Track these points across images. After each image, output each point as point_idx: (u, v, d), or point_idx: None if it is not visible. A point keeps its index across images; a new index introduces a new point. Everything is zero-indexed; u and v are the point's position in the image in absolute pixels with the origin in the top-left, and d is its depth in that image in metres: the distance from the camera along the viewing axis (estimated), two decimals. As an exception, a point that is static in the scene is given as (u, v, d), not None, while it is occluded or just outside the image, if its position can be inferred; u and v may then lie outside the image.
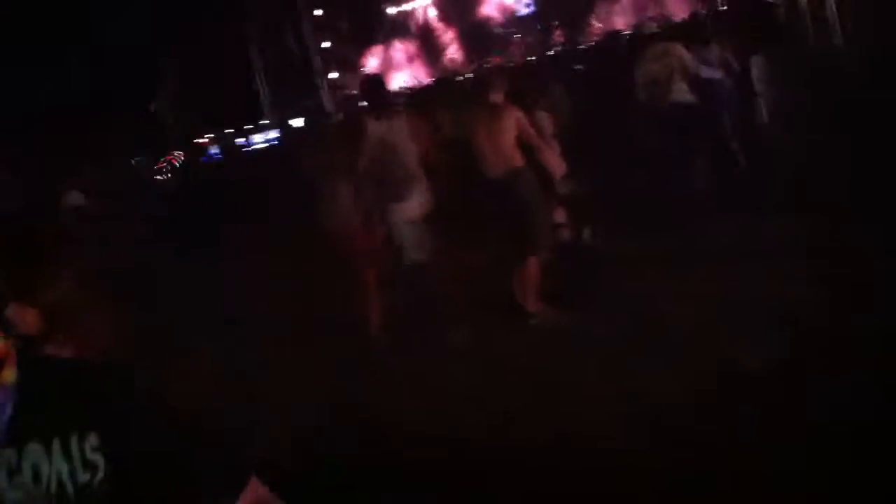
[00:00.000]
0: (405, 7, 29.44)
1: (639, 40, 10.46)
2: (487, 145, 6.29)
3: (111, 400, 1.43)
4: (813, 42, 12.39)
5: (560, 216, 6.99)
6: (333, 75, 24.26)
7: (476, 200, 6.47)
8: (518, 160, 6.22)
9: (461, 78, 19.50)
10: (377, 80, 7.14)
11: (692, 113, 8.53)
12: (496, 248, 6.57)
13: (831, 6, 12.24)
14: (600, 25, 25.96)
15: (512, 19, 28.94)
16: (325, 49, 24.05)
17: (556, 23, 26.92)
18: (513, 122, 6.19)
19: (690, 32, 10.18)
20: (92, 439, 1.39)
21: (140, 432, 1.42)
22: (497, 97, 6.48)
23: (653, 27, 11.04)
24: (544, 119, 6.98)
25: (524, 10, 28.98)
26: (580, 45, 21.83)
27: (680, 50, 8.88)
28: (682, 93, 8.65)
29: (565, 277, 6.53)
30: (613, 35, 13.66)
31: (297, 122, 17.40)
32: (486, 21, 29.32)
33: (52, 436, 1.38)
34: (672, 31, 10.88)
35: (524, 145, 6.26)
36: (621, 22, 24.10)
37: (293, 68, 23.27)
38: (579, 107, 8.44)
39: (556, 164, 6.54)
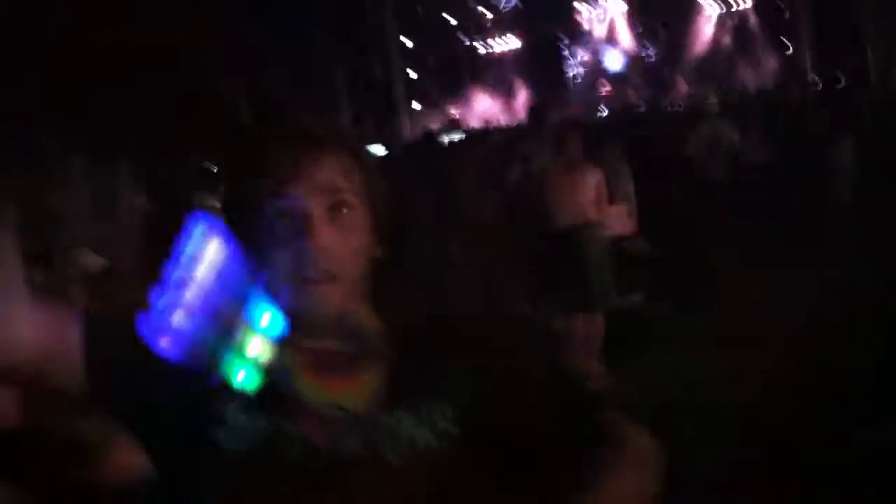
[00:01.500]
0: (496, 48, 29.86)
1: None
2: (562, 197, 6.39)
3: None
4: None
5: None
6: (416, 106, 24.62)
7: (542, 252, 6.52)
8: (591, 214, 6.32)
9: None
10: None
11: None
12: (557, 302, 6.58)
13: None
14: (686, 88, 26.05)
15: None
16: (410, 79, 24.43)
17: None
18: (592, 182, 6.31)
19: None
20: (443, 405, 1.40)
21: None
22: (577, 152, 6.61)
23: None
24: (622, 177, 7.06)
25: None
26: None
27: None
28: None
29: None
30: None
31: (376, 149, 17.82)
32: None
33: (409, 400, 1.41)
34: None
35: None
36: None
37: (375, 94, 23.66)
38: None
39: (625, 223, 6.65)
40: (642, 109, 19.77)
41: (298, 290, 1.37)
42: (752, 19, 26.87)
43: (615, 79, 29.24)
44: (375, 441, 1.36)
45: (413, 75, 24.52)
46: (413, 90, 24.34)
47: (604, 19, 28.98)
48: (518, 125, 21.70)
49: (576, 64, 30.10)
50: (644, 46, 29.21)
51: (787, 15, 22.79)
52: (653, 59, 29.33)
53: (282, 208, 1.38)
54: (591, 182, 6.27)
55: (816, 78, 19.40)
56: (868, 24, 13.25)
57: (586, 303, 6.29)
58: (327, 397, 1.39)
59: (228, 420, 1.36)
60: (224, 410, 1.37)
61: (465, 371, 1.41)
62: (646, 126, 13.43)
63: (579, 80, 29.58)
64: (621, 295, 7.01)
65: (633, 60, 29.26)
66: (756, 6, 26.66)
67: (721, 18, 27.67)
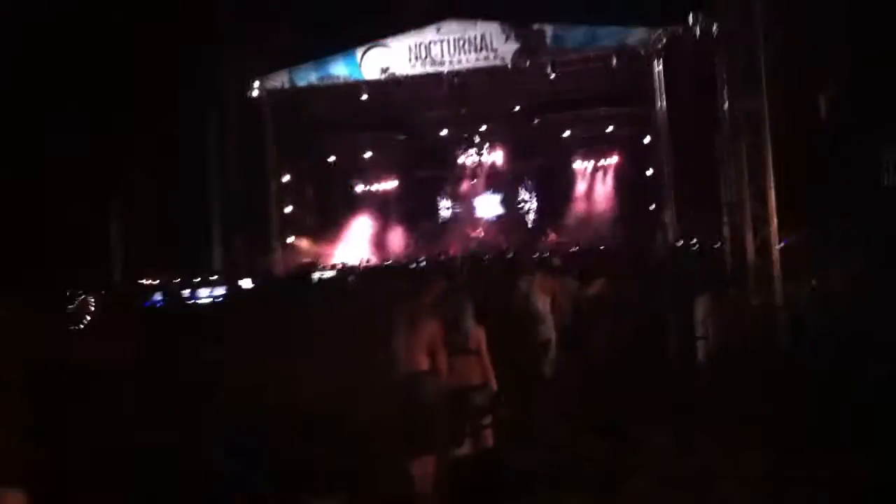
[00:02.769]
0: (373, 187, 30.34)
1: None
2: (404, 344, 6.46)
3: None
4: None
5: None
6: (290, 239, 24.49)
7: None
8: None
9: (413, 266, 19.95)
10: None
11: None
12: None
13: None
14: (555, 237, 26.95)
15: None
16: (287, 213, 24.38)
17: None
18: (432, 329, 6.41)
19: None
20: None
21: None
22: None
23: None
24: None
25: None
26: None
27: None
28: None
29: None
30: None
31: (247, 283, 17.57)
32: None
33: None
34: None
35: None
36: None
37: (251, 228, 23.46)
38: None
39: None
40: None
41: None
42: (619, 176, 28.31)
43: (488, 224, 30.06)
44: None
45: (290, 209, 24.49)
46: (288, 224, 24.28)
47: (480, 167, 29.95)
48: (388, 265, 21.88)
49: (451, 207, 30.86)
50: (517, 195, 30.30)
51: (651, 173, 24.03)
52: (525, 209, 30.42)
53: None
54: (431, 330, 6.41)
55: (675, 236, 20.42)
56: (725, 188, 14.09)
57: (420, 447, 6.36)
58: None
59: None
60: None
61: None
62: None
63: (453, 224, 30.28)
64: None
65: (506, 208, 30.26)
66: (622, 164, 28.15)
67: (590, 173, 29.06)
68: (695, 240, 18.84)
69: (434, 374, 6.44)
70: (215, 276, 18.46)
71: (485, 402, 6.86)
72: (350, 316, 8.90)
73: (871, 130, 14.61)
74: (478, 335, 6.89)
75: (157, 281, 18.34)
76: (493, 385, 6.83)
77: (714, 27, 15.72)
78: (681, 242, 19.08)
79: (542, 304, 10.12)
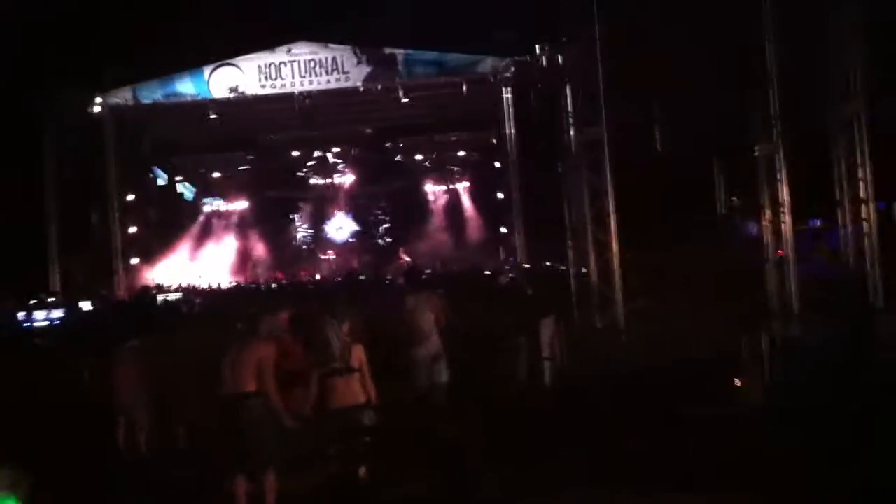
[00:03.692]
0: (222, 207, 29.72)
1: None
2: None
3: None
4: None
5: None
6: (134, 261, 23.61)
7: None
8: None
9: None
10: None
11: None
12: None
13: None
14: (407, 259, 27.09)
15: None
16: (130, 234, 23.50)
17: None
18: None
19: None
20: None
21: None
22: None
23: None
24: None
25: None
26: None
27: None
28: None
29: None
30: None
31: (86, 305, 16.86)
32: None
33: None
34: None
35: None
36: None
37: (92, 248, 22.54)
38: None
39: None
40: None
41: None
42: (469, 199, 28.80)
43: (340, 246, 29.96)
44: None
45: (133, 229, 23.63)
46: (132, 245, 23.42)
47: (332, 188, 29.87)
48: (238, 286, 21.50)
49: (303, 228, 30.61)
50: (369, 217, 30.35)
51: (501, 197, 24.51)
52: (376, 231, 30.50)
53: None
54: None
55: (524, 259, 20.91)
56: (568, 213, 14.62)
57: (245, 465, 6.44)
58: None
59: None
60: None
61: None
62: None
63: (304, 246, 30.05)
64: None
65: (358, 230, 30.25)
66: (473, 188, 28.66)
67: (441, 196, 29.43)
68: (545, 263, 19.37)
69: (260, 395, 6.40)
70: (52, 299, 17.62)
71: (368, 421, 6.85)
72: (190, 338, 8.77)
73: (705, 159, 15.48)
74: (357, 354, 6.86)
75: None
76: (375, 402, 6.83)
77: (559, 58, 16.31)
78: (528, 265, 19.55)
79: (427, 320, 10.19)
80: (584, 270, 14.28)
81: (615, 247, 13.36)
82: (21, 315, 15.81)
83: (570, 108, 14.78)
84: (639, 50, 14.00)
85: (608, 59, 13.77)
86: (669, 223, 13.91)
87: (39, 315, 15.92)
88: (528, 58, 19.80)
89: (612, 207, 13.45)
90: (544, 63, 18.51)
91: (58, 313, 15.90)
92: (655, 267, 13.77)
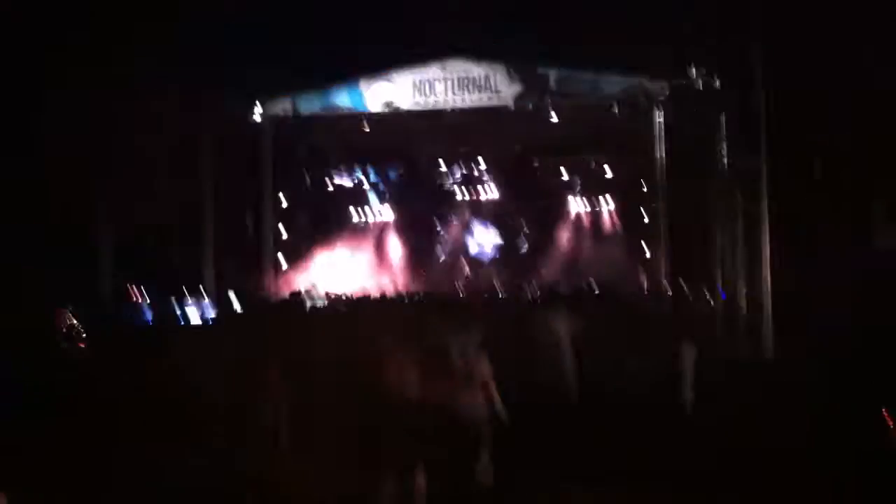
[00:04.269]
0: (369, 218, 30.32)
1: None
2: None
3: None
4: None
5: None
6: (284, 265, 24.50)
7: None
8: None
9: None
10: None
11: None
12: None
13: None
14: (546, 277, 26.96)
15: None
16: (282, 239, 24.43)
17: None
18: None
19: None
20: None
21: None
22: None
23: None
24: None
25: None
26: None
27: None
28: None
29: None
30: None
31: (238, 306, 17.54)
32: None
33: None
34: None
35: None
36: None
37: (245, 251, 23.48)
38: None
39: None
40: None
41: None
42: (614, 221, 28.40)
43: (481, 260, 30.04)
44: None
45: (285, 235, 24.53)
46: (283, 250, 24.30)
47: (477, 204, 30.01)
48: (381, 297, 21.87)
49: (446, 242, 30.85)
50: (512, 234, 30.29)
51: (647, 221, 24.08)
52: (519, 248, 30.41)
53: None
54: None
55: (668, 285, 20.48)
56: (720, 240, 14.22)
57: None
58: None
59: None
60: None
61: None
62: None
63: (448, 259, 30.27)
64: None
65: (500, 247, 30.26)
66: (619, 210, 28.25)
67: (585, 217, 29.12)
68: (686, 289, 18.93)
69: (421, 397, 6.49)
70: (207, 298, 18.43)
71: (487, 434, 6.91)
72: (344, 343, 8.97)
73: (863, 188, 14.83)
74: (483, 369, 6.92)
75: (148, 300, 18.30)
76: (501, 416, 6.89)
77: (716, 82, 15.94)
78: (671, 290, 19.15)
79: (562, 336, 10.42)
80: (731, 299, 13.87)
81: (768, 277, 12.94)
82: (178, 311, 16.58)
83: (725, 133, 14.40)
84: (799, 74, 13.59)
85: (768, 83, 13.39)
86: (823, 253, 13.40)
87: (194, 312, 16.65)
88: (684, 81, 19.46)
89: (767, 237, 13.04)
90: (700, 86, 18.13)
91: (211, 312, 16.59)
92: (807, 296, 13.26)
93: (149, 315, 16.21)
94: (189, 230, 21.58)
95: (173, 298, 17.77)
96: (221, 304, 17.40)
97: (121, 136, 18.72)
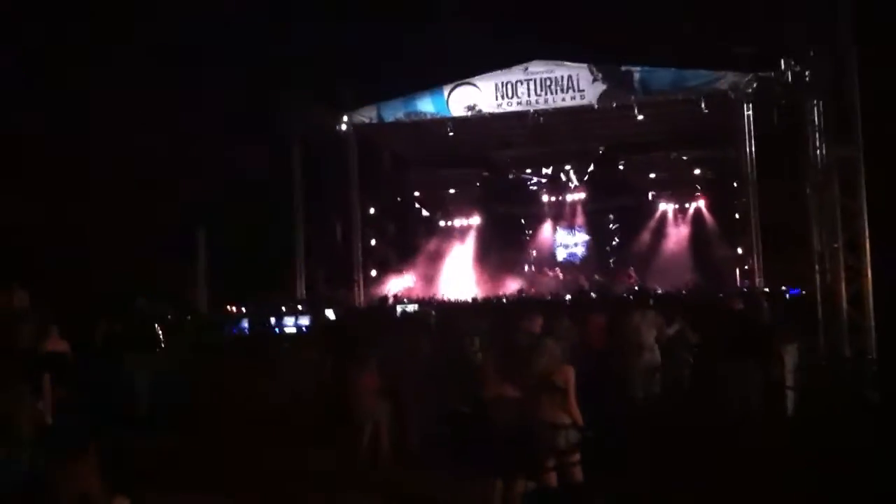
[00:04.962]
0: (455, 222, 30.50)
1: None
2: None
3: None
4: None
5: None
6: (373, 272, 24.84)
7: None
8: None
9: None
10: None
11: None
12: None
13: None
14: (635, 277, 26.71)
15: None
16: (370, 246, 24.78)
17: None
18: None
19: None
20: None
21: None
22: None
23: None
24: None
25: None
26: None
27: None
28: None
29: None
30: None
31: (330, 314, 17.80)
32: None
33: None
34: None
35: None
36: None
37: (335, 258, 23.88)
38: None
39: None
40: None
41: None
42: (703, 219, 27.96)
43: (569, 262, 29.93)
44: None
45: (372, 242, 24.89)
46: (371, 257, 24.64)
47: (562, 205, 29.94)
48: (469, 301, 21.93)
49: (532, 244, 30.82)
50: (598, 235, 30.11)
51: (738, 217, 23.61)
52: (605, 249, 30.20)
53: None
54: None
55: (763, 283, 20.05)
56: (816, 236, 13.75)
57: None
58: None
59: None
60: None
61: None
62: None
63: (534, 261, 30.22)
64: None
65: (586, 248, 30.11)
66: (708, 207, 27.81)
67: (674, 215, 28.74)
68: (783, 287, 18.50)
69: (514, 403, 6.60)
70: (300, 307, 18.75)
71: (565, 442, 6.87)
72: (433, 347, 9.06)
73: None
74: (566, 375, 6.89)
75: (243, 309, 18.74)
76: (579, 423, 6.84)
77: (806, 73, 15.49)
78: (767, 289, 18.74)
79: (649, 335, 10.61)
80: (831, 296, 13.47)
81: (869, 273, 12.53)
82: (272, 320, 16.91)
83: (818, 125, 13.97)
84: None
85: (863, 70, 12.97)
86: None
87: (289, 321, 16.95)
88: (772, 73, 19.03)
89: (866, 231, 12.63)
90: (789, 78, 17.68)
91: (305, 320, 16.86)
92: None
93: (245, 325, 16.57)
94: (280, 239, 22.05)
95: (266, 308, 18.15)
96: (314, 312, 17.67)
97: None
